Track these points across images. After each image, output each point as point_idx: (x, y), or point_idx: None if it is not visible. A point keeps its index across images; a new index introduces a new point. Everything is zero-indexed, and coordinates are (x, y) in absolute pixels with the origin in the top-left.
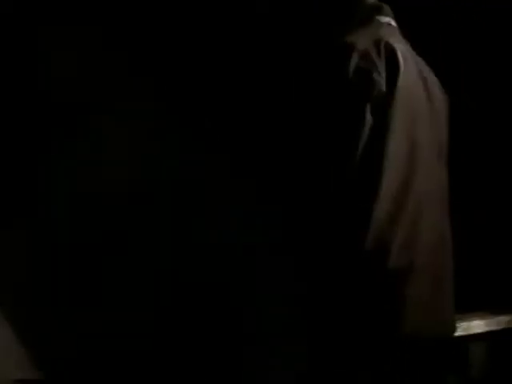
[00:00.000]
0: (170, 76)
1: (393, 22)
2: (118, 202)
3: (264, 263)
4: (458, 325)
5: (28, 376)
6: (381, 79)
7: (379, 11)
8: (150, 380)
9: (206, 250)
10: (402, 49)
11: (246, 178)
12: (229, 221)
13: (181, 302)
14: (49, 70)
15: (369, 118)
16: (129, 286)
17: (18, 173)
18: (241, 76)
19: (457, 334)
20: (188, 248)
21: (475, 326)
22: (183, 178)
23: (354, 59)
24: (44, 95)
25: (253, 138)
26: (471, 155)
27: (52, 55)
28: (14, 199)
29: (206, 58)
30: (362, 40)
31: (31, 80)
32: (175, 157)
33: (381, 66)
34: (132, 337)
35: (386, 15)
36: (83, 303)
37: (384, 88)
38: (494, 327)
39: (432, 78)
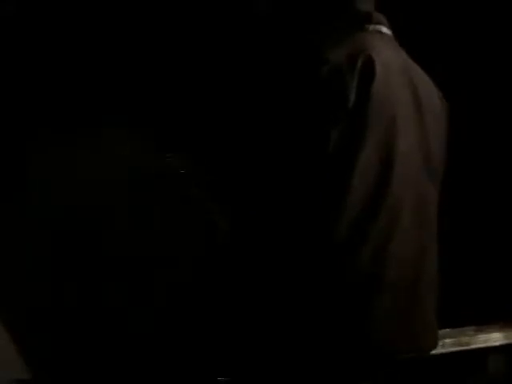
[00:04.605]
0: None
1: (384, 29)
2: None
3: None
4: (476, 337)
5: (27, 376)
6: (349, 93)
7: (368, 20)
8: None
9: None
10: (387, 57)
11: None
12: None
13: None
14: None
15: (334, 131)
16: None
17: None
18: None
19: (476, 346)
20: None
21: (494, 338)
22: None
23: (324, 73)
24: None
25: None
26: (470, 159)
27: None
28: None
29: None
30: (338, 52)
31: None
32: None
33: (351, 79)
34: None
35: (377, 23)
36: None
37: (352, 102)
38: None
39: (426, 86)
